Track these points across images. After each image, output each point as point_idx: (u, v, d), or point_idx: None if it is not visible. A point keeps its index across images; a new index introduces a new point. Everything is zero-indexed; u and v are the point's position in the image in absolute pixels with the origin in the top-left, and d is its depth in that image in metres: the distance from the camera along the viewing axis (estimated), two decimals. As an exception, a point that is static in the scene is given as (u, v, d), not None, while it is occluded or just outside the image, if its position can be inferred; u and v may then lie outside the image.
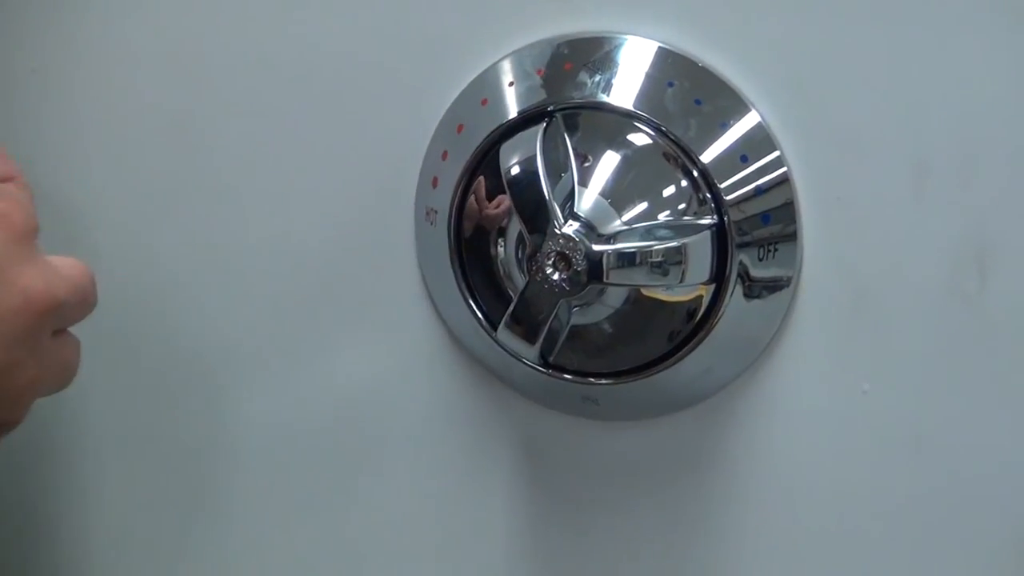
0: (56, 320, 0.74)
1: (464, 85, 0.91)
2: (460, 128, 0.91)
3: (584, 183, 0.85)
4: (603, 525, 0.97)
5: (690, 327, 0.88)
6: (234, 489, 1.05)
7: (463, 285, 0.92)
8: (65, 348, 0.77)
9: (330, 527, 1.03)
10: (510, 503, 0.99)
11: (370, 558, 1.03)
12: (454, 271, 0.92)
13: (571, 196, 0.84)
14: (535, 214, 0.84)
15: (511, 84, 0.89)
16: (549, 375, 0.90)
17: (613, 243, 0.83)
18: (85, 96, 0.99)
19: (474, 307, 0.92)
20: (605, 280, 0.83)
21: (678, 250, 0.84)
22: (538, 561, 1.00)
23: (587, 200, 0.84)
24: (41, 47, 0.99)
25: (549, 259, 0.82)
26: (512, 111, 0.88)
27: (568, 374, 0.90)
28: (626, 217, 0.85)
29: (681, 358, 0.88)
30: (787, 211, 0.88)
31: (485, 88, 0.91)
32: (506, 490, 0.99)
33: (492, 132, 0.88)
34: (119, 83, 0.98)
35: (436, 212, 0.92)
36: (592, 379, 0.90)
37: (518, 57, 0.90)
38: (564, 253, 0.82)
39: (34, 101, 1.00)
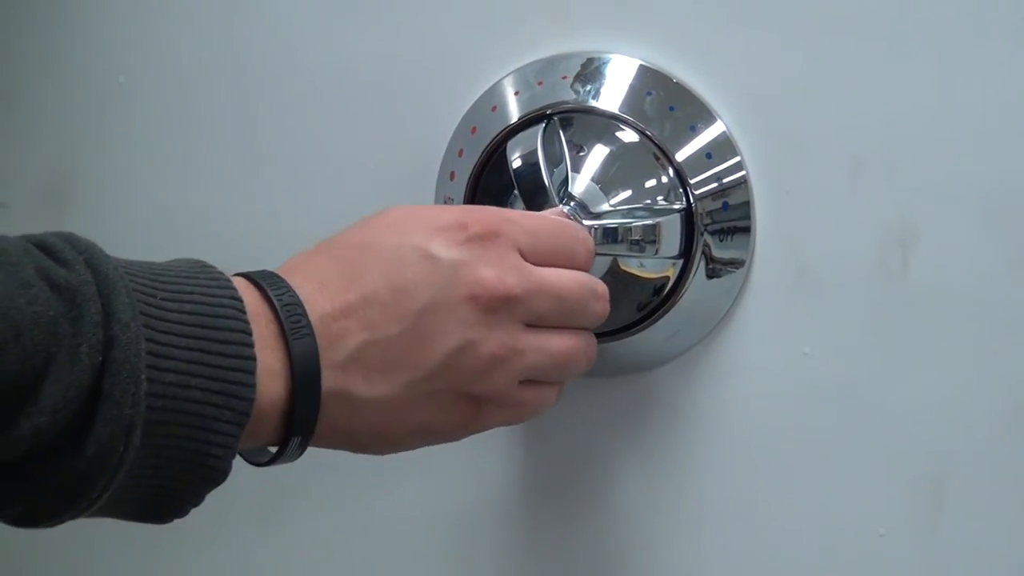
0: (518, 312, 0.77)
1: (478, 95, 0.98)
2: (474, 130, 0.97)
3: (576, 169, 0.92)
4: (589, 464, 1.02)
5: (658, 300, 0.94)
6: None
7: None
8: (543, 338, 0.79)
9: (358, 473, 1.06)
10: (509, 447, 1.03)
11: (387, 494, 1.06)
12: (467, 251, 0.98)
13: (565, 182, 0.91)
14: (535, 196, 0.89)
15: (516, 93, 0.96)
16: None
17: (600, 220, 0.90)
18: (165, 104, 1.04)
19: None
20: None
21: (653, 229, 0.91)
22: (533, 499, 1.04)
23: (579, 184, 0.91)
24: (127, 61, 1.04)
25: (546, 232, 0.89)
26: (516, 115, 0.95)
27: None
28: (612, 201, 0.92)
29: (653, 323, 0.95)
30: (744, 202, 0.95)
31: (495, 97, 0.97)
32: (505, 436, 1.03)
33: (500, 132, 0.95)
34: (192, 91, 1.04)
35: (452, 200, 0.97)
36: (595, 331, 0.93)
37: (522, 72, 0.97)
38: (560, 227, 0.89)
39: (122, 109, 1.05)
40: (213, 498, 0.70)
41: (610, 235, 0.90)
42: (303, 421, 0.71)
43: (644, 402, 1.00)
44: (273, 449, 0.73)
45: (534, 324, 0.79)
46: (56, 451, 0.61)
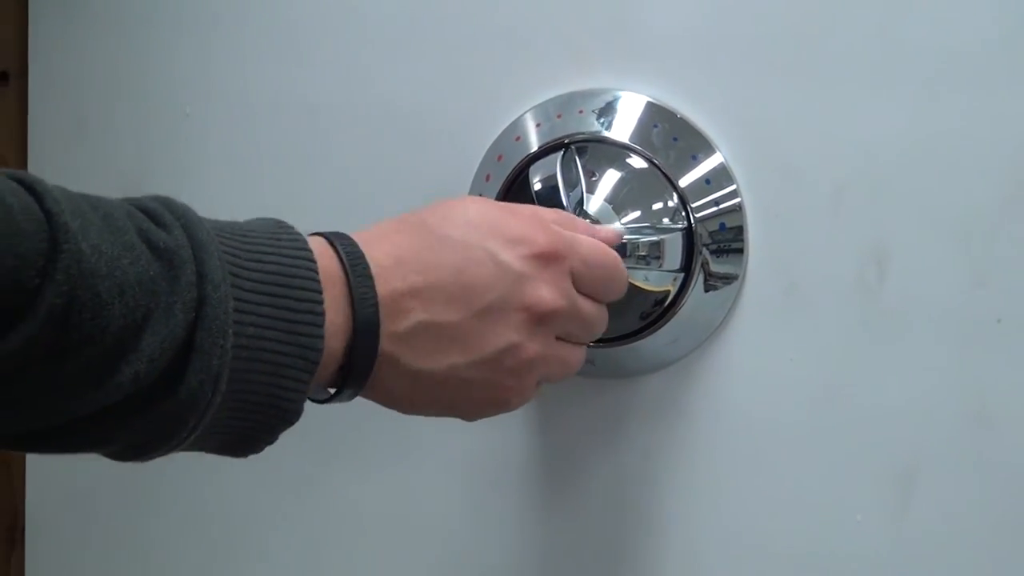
0: (556, 327, 0.83)
1: (503, 127, 1.02)
2: (500, 158, 1.01)
3: (591, 191, 0.96)
4: (596, 457, 1.04)
5: (660, 310, 0.98)
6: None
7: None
8: (565, 351, 0.85)
9: (379, 465, 1.09)
10: (526, 439, 1.06)
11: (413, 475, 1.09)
12: (492, 264, 1.01)
13: (581, 202, 0.95)
14: None
15: (538, 125, 1.00)
16: None
17: None
18: (225, 133, 1.07)
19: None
20: None
21: (658, 245, 0.96)
22: (547, 491, 1.06)
23: (593, 204, 0.95)
24: (193, 94, 1.07)
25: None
26: (537, 144, 0.99)
27: None
28: (622, 220, 0.95)
29: (656, 331, 0.99)
30: (739, 224, 0.98)
31: (518, 128, 1.01)
32: (523, 427, 1.06)
33: (523, 159, 0.99)
34: (250, 124, 1.07)
35: None
36: (590, 344, 0.95)
37: (543, 106, 1.01)
38: (575, 242, 0.92)
39: (187, 137, 1.08)
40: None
41: (620, 250, 0.92)
42: (358, 376, 0.76)
43: (647, 402, 1.03)
44: (331, 391, 0.78)
45: (561, 337, 0.85)
46: (153, 396, 0.65)
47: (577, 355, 0.88)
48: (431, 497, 1.10)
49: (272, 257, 0.71)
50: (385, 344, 0.76)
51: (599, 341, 0.97)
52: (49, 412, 0.64)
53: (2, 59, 1.12)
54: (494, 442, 1.06)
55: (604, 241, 0.89)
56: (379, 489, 1.11)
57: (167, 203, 0.70)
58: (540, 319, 0.82)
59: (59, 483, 1.15)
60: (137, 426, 0.66)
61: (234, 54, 1.07)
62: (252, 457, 0.74)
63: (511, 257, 0.80)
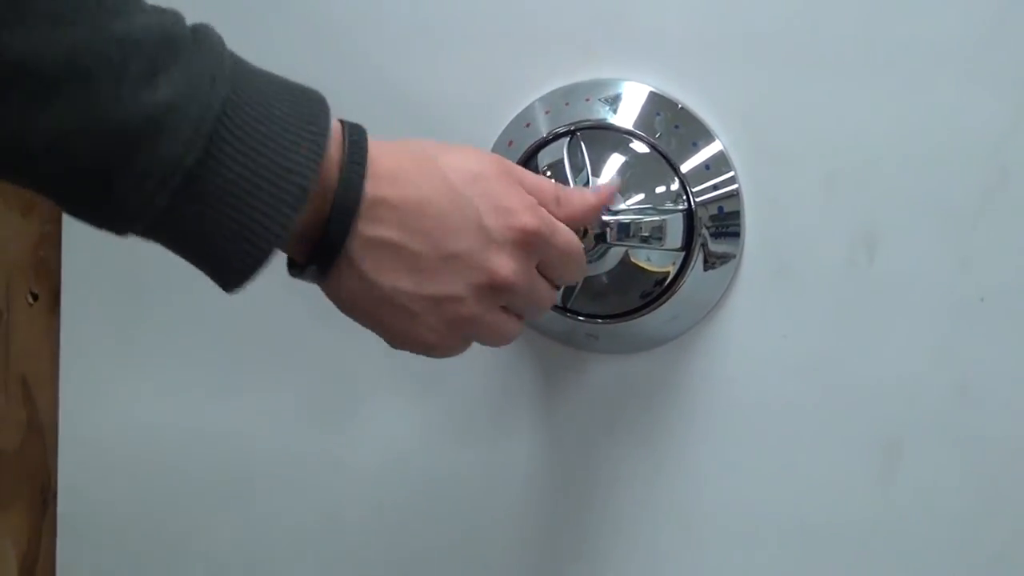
0: (505, 299, 0.83)
1: (515, 114, 1.03)
2: (511, 143, 1.02)
3: (597, 173, 0.97)
4: (600, 427, 1.06)
5: (660, 289, 1.00)
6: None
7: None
8: (504, 322, 0.84)
9: (399, 436, 1.10)
10: (533, 411, 1.07)
11: (427, 450, 1.09)
12: (504, 243, 1.02)
13: (587, 185, 0.96)
14: None
15: (547, 112, 1.01)
16: (566, 316, 1.01)
17: (616, 216, 0.95)
18: None
19: (515, 269, 1.01)
20: (608, 242, 0.95)
21: (660, 226, 0.97)
22: (554, 460, 1.07)
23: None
24: None
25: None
26: (546, 130, 1.00)
27: (579, 316, 1.01)
28: (626, 201, 0.97)
29: (657, 307, 1.00)
30: (736, 206, 1.00)
31: (529, 115, 1.02)
32: (529, 402, 1.06)
33: (532, 145, 1.00)
34: None
35: None
36: (596, 320, 1.01)
37: (552, 95, 1.02)
38: (581, 222, 0.93)
39: None
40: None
41: (624, 229, 0.95)
42: (323, 254, 0.77)
43: (647, 375, 1.05)
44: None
45: (506, 308, 0.86)
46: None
47: (514, 328, 0.87)
48: (433, 456, 1.10)
49: (287, 99, 0.74)
50: (352, 242, 0.77)
51: (603, 317, 1.00)
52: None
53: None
54: (498, 411, 1.07)
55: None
56: (376, 445, 1.11)
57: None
58: (493, 287, 0.82)
59: (91, 446, 1.15)
60: (165, 142, 0.67)
61: (252, 44, 1.00)
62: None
63: (493, 223, 0.81)
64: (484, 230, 0.81)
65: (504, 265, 0.81)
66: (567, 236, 0.87)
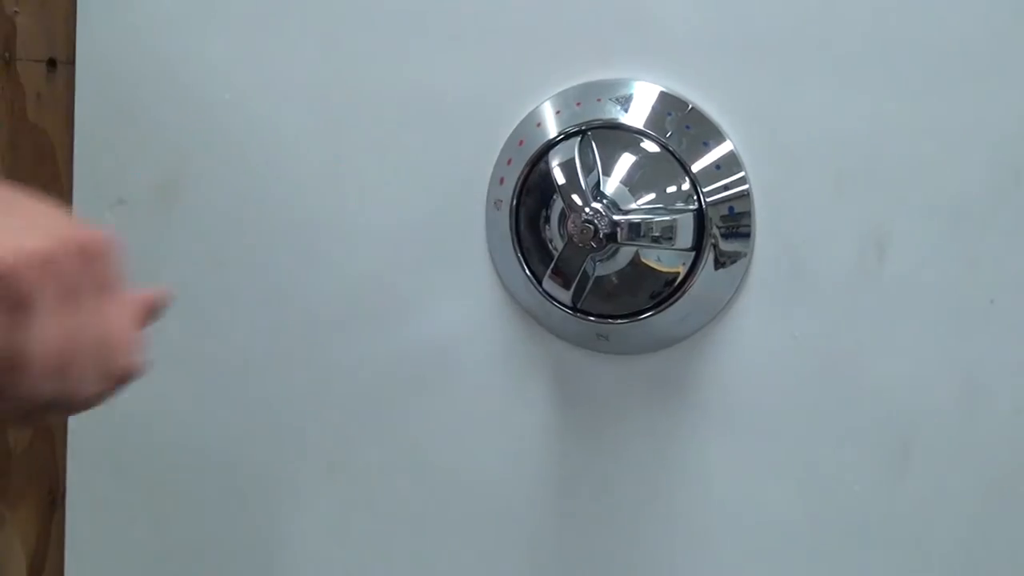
0: (52, 281, 0.63)
1: (525, 114, 1.03)
2: (521, 142, 1.03)
3: (607, 173, 0.97)
4: (612, 426, 1.06)
5: (670, 289, 1.00)
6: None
7: (519, 254, 1.01)
8: (94, 315, 0.65)
9: (412, 435, 1.09)
10: (543, 412, 1.07)
11: (442, 451, 1.09)
12: (513, 244, 1.02)
13: (598, 185, 0.96)
14: (572, 196, 0.95)
15: (557, 112, 1.01)
16: (576, 317, 1.01)
17: (627, 216, 0.95)
18: (262, 118, 1.08)
19: (526, 269, 1.01)
20: (619, 241, 0.95)
21: (671, 226, 0.97)
22: (564, 459, 1.07)
23: (610, 186, 0.97)
24: (232, 81, 1.08)
25: (581, 225, 0.94)
26: (557, 130, 1.00)
27: (590, 316, 1.01)
28: (637, 201, 0.97)
29: (667, 307, 1.00)
30: (746, 206, 1.00)
31: (539, 115, 1.02)
32: (539, 402, 1.06)
33: (543, 144, 1.00)
34: (285, 110, 1.07)
35: (502, 201, 1.02)
36: (607, 320, 1.01)
37: (562, 95, 1.02)
38: (592, 222, 0.94)
39: (226, 122, 1.08)
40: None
41: (635, 229, 0.95)
42: None
43: (658, 375, 1.05)
44: None
45: None
46: None
47: None
48: (444, 456, 1.10)
49: None
50: None
51: (613, 317, 1.00)
52: None
53: (51, 47, 1.12)
54: (508, 412, 1.07)
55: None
56: (387, 445, 1.11)
57: None
58: None
59: (99, 447, 1.15)
60: None
61: (273, 41, 1.07)
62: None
63: None
64: None
65: None
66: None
